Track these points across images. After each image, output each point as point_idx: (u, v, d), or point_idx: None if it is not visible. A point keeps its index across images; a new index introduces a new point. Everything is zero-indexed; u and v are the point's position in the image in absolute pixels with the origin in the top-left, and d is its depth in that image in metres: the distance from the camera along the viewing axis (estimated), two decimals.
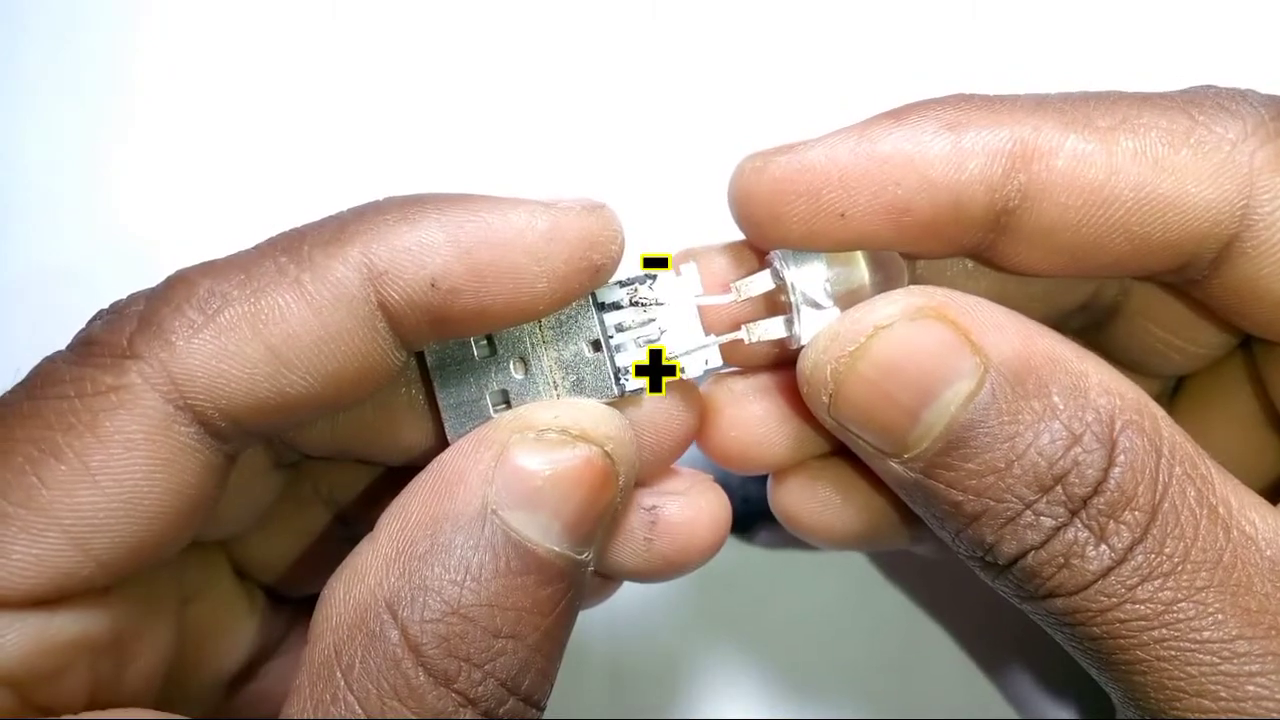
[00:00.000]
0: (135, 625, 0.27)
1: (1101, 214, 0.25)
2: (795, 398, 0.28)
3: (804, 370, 0.26)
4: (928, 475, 0.24)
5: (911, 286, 0.26)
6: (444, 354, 0.28)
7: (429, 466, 0.25)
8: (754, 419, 0.29)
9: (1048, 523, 0.24)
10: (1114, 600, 0.23)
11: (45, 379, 0.25)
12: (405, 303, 0.24)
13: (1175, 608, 0.23)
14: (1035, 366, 0.24)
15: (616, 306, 0.27)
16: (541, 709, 0.25)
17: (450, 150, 0.52)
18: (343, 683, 0.23)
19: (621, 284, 0.27)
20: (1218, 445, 0.31)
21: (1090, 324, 0.31)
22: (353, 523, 0.33)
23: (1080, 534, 0.23)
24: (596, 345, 0.27)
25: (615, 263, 0.26)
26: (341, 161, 0.52)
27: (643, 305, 0.27)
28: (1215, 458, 0.31)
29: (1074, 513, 0.23)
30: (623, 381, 0.27)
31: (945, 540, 0.26)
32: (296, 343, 0.24)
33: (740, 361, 0.30)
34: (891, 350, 0.25)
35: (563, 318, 0.27)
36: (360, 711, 0.23)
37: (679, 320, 0.28)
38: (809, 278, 0.27)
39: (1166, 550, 0.23)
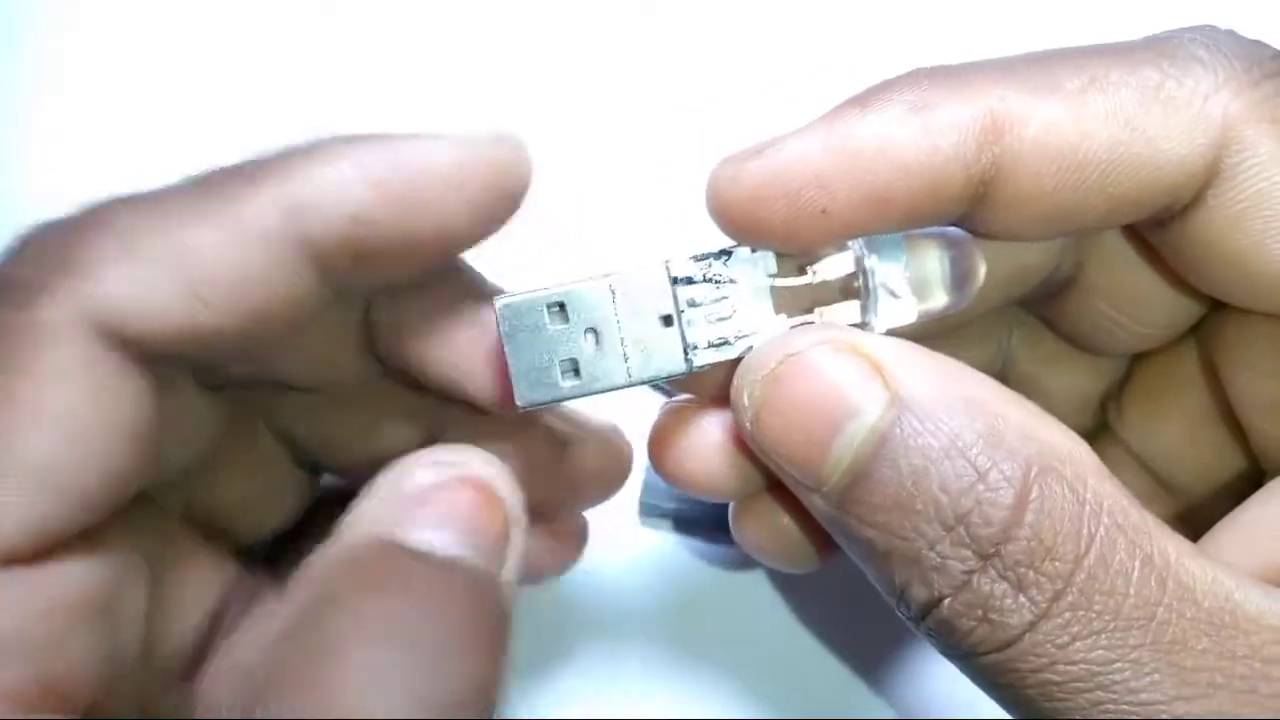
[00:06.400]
0: (118, 584, 0.26)
1: (1075, 177, 0.25)
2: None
3: (733, 394, 0.26)
4: (841, 509, 0.25)
5: (828, 325, 0.27)
6: (516, 319, 0.27)
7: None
8: (710, 447, 0.29)
9: (955, 566, 0.23)
10: (1045, 660, 0.23)
11: None
12: (326, 237, 0.25)
13: (1111, 668, 0.22)
14: (948, 404, 0.24)
15: (690, 281, 0.27)
16: None
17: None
18: None
19: (696, 259, 0.27)
20: (1167, 438, 0.32)
21: (1047, 295, 0.31)
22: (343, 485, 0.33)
23: (996, 585, 0.23)
24: (668, 320, 0.27)
25: (526, 188, 0.26)
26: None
27: (716, 282, 0.27)
28: (1165, 453, 0.32)
29: (985, 558, 0.23)
30: (691, 357, 0.27)
31: (875, 586, 0.26)
32: (215, 279, 0.24)
33: (696, 390, 0.30)
34: (799, 377, 0.25)
35: (634, 291, 0.27)
36: None
37: (751, 299, 0.28)
38: (889, 265, 0.27)
39: (1097, 606, 0.22)
